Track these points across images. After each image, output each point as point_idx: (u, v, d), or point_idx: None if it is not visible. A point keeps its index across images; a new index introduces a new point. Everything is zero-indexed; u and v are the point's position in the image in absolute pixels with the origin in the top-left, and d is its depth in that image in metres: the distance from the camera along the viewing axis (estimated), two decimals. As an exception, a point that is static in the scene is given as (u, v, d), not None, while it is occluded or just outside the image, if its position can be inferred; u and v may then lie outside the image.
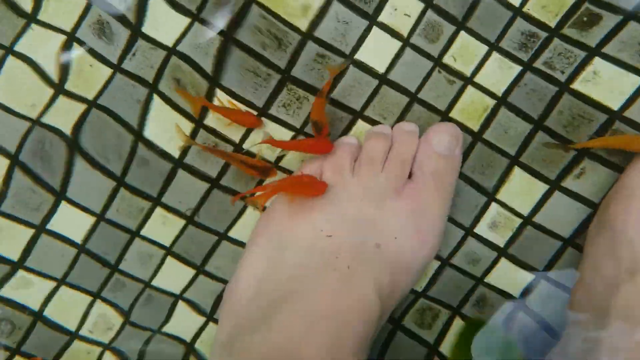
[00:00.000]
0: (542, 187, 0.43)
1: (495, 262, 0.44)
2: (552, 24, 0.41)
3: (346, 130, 0.43)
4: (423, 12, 0.41)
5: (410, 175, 0.41)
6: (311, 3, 0.41)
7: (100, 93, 0.42)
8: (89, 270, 0.45)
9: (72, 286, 0.45)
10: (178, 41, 0.42)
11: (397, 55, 0.42)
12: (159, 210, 0.44)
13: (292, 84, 0.42)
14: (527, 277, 0.43)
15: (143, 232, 0.45)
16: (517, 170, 0.43)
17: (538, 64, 0.41)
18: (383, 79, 0.42)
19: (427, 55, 0.42)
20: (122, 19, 0.42)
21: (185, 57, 0.42)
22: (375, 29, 0.42)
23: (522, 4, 0.41)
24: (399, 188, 0.40)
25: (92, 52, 0.42)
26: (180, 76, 0.42)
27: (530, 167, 0.43)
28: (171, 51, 0.42)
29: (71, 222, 0.44)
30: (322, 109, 0.41)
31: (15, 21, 0.42)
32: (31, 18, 0.42)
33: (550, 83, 0.41)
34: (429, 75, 0.42)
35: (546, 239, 0.43)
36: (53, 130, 0.43)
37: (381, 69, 0.42)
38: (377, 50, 0.42)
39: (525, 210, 0.43)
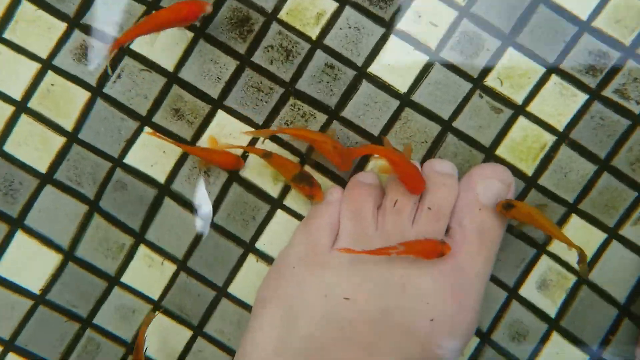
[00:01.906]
0: (600, 237, 0.36)
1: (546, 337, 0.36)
2: (628, 42, 0.34)
3: (363, 163, 0.35)
4: (457, 21, 0.35)
5: (448, 229, 0.34)
6: (325, 9, 0.35)
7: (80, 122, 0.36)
8: (50, 327, 0.36)
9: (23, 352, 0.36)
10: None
11: (423, 72, 0.35)
12: (143, 249, 0.36)
13: (297, 99, 0.35)
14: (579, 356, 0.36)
15: (124, 279, 0.36)
16: (574, 219, 0.36)
17: (608, 92, 0.34)
18: (405, 100, 0.35)
19: (464, 74, 0.34)
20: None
21: (188, 85, 0.36)
22: (393, 38, 0.35)
23: (592, 17, 0.33)
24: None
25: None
26: (180, 105, 0.36)
27: (589, 214, 0.36)
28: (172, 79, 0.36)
29: (29, 260, 0.36)
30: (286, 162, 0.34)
31: None
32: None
33: (622, 116, 0.34)
34: (467, 99, 0.35)
35: (601, 304, 0.36)
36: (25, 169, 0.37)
37: (402, 88, 0.35)
38: (396, 64, 0.35)
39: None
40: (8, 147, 0.36)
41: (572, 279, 0.36)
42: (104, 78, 0.35)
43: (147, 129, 0.35)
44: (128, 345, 0.36)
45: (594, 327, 0.36)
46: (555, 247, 0.36)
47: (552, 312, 0.36)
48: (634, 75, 0.35)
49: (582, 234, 0.36)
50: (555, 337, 0.37)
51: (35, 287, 0.36)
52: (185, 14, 0.32)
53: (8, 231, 0.36)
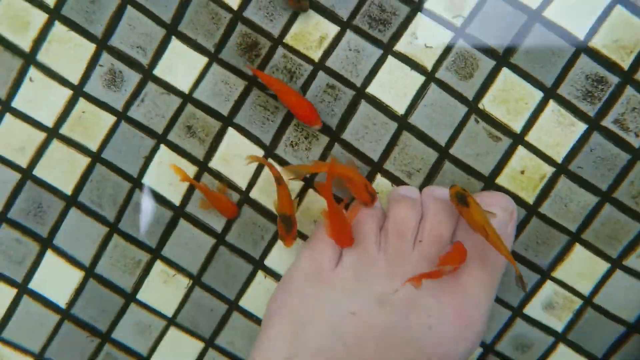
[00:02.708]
0: (603, 267, 0.36)
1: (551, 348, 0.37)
2: (625, 65, 0.32)
3: None
4: (452, 42, 0.35)
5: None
6: (328, 33, 0.36)
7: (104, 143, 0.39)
8: (73, 342, 0.40)
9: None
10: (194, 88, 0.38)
11: (420, 93, 0.35)
12: (159, 265, 0.39)
13: None
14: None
15: (139, 296, 0.39)
16: (577, 248, 0.36)
17: (607, 122, 0.33)
18: (403, 123, 0.35)
19: (459, 96, 0.34)
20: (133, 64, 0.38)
21: (201, 104, 0.38)
22: (390, 59, 0.35)
23: (589, 36, 0.32)
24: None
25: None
26: (192, 122, 0.38)
27: (593, 245, 0.36)
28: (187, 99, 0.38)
29: (56, 276, 0.40)
30: (288, 198, 0.35)
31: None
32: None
33: (621, 149, 0.34)
34: (463, 123, 0.35)
35: (608, 324, 0.37)
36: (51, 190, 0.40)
37: (400, 109, 0.35)
38: (394, 85, 0.35)
39: (585, 291, 0.37)
40: (37, 171, 0.39)
41: (578, 302, 0.36)
42: (128, 102, 0.38)
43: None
44: (144, 358, 0.39)
45: (600, 341, 0.37)
46: (560, 273, 0.36)
47: (558, 327, 0.37)
48: (632, 104, 0.33)
49: (585, 264, 0.36)
50: (561, 348, 0.38)
51: (62, 302, 0.40)
52: (302, 111, 0.35)
53: (40, 250, 0.39)
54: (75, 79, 0.38)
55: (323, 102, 0.36)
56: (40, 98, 0.38)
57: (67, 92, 0.38)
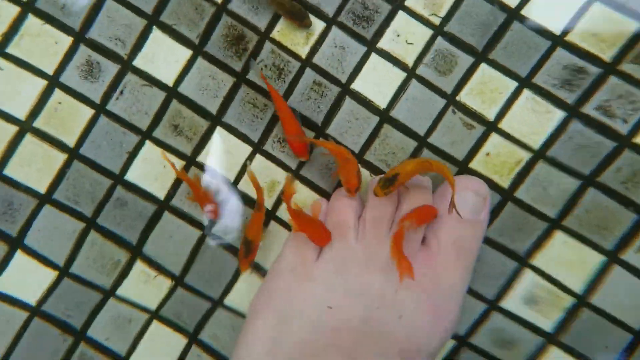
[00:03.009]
0: (596, 258, 0.35)
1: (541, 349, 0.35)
2: (607, 57, 0.33)
3: None
4: (432, 39, 0.36)
5: (423, 239, 0.35)
6: (313, 30, 0.37)
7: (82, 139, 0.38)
8: (44, 342, 0.38)
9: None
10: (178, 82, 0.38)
11: (401, 89, 0.36)
12: (139, 265, 0.38)
13: None
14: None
15: (120, 292, 0.38)
16: (559, 234, 0.35)
17: (588, 109, 0.33)
18: (385, 117, 0.36)
19: (438, 91, 0.35)
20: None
21: (187, 100, 0.38)
22: (374, 56, 0.36)
23: (565, 32, 0.33)
24: (410, 256, 0.34)
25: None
26: (179, 121, 0.38)
27: (577, 232, 0.35)
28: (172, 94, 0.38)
29: (26, 276, 0.38)
30: (259, 226, 0.35)
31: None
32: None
33: (605, 137, 0.33)
34: (441, 115, 0.36)
35: (610, 328, 0.34)
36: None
37: (382, 104, 0.36)
38: (377, 81, 0.36)
39: (576, 287, 0.35)
40: (9, 170, 0.38)
41: (567, 298, 0.35)
42: (107, 95, 0.37)
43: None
44: (121, 359, 0.38)
45: (601, 345, 0.35)
46: (540, 261, 0.35)
47: (546, 326, 0.36)
48: (618, 92, 0.34)
49: (570, 252, 0.35)
50: (554, 351, 0.36)
51: (32, 300, 0.38)
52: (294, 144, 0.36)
53: (8, 250, 0.38)
54: (50, 70, 0.37)
55: (310, 100, 0.37)
56: (12, 89, 0.37)
57: (42, 83, 0.37)
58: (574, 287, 0.35)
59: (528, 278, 0.36)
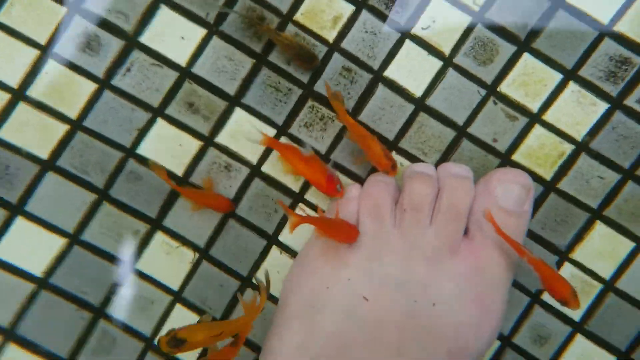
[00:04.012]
0: (628, 246, 0.35)
1: (569, 339, 0.36)
2: None
3: None
4: (471, 26, 0.34)
5: (466, 231, 0.34)
6: (342, 13, 0.35)
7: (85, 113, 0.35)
8: (57, 315, 0.34)
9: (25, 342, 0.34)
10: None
11: (438, 77, 0.34)
12: (160, 236, 0.35)
13: (315, 101, 0.35)
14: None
15: (139, 266, 0.34)
16: (599, 226, 0.35)
17: (631, 101, 0.33)
18: (420, 105, 0.34)
19: (478, 81, 0.34)
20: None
21: (204, 81, 0.35)
22: (408, 43, 0.35)
23: (614, 21, 0.33)
24: (453, 247, 0.33)
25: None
26: (194, 100, 0.35)
27: (616, 222, 0.35)
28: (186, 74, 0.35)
29: (31, 243, 0.35)
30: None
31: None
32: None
33: None
34: (481, 105, 0.34)
35: (631, 311, 0.35)
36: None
37: (418, 92, 0.34)
38: (412, 69, 0.34)
39: (606, 274, 0.35)
40: (3, 134, 0.35)
41: (597, 286, 0.35)
42: (111, 70, 0.34)
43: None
44: (147, 340, 0.35)
45: (622, 331, 0.35)
46: (579, 255, 0.35)
47: (575, 315, 0.36)
48: None
49: (607, 242, 0.35)
50: (579, 339, 0.36)
51: (37, 270, 0.34)
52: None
53: (8, 217, 0.34)
54: (42, 40, 0.34)
55: (339, 85, 0.35)
56: (2, 57, 0.34)
57: (34, 52, 0.34)
58: (603, 274, 0.35)
59: (566, 271, 0.35)
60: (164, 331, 0.35)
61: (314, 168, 0.33)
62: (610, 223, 0.35)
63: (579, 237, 0.36)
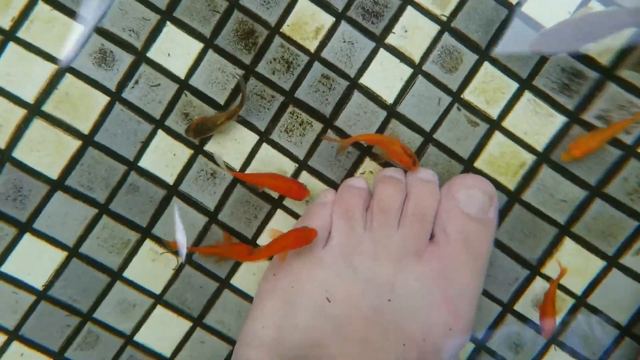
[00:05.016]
0: (599, 264, 0.37)
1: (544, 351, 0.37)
2: (605, 61, 0.34)
3: (353, 169, 0.38)
4: (439, 35, 0.37)
5: (432, 236, 0.36)
6: (324, 24, 0.38)
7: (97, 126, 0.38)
8: (51, 319, 0.39)
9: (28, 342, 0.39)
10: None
11: (408, 84, 0.37)
12: (148, 244, 0.39)
13: (296, 107, 0.38)
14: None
15: (127, 274, 0.39)
16: (568, 242, 0.36)
17: (589, 117, 0.34)
18: (392, 111, 0.37)
19: (444, 87, 0.37)
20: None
21: (198, 92, 0.38)
22: (382, 52, 0.37)
23: None
24: (419, 250, 0.35)
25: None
26: (190, 110, 0.38)
27: (584, 240, 0.36)
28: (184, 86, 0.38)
29: (35, 258, 0.38)
30: None
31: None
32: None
33: (611, 145, 0.34)
34: (446, 111, 0.37)
35: (604, 325, 0.37)
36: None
37: (389, 99, 0.37)
38: (385, 77, 0.37)
39: (577, 289, 0.37)
40: (18, 153, 0.38)
41: (569, 301, 0.37)
42: (122, 83, 0.38)
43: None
44: (127, 337, 0.39)
45: (593, 343, 0.37)
46: (549, 270, 0.37)
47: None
48: (618, 101, 0.35)
49: (578, 260, 0.37)
50: (552, 352, 0.38)
51: (38, 283, 0.39)
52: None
53: (16, 234, 0.38)
54: (61, 56, 0.37)
55: (318, 92, 0.38)
56: (21, 72, 0.37)
57: (52, 67, 0.37)
58: (575, 290, 0.38)
59: (538, 285, 0.37)
60: (143, 330, 0.39)
61: (280, 180, 0.37)
62: (579, 240, 0.37)
63: (548, 253, 0.38)
